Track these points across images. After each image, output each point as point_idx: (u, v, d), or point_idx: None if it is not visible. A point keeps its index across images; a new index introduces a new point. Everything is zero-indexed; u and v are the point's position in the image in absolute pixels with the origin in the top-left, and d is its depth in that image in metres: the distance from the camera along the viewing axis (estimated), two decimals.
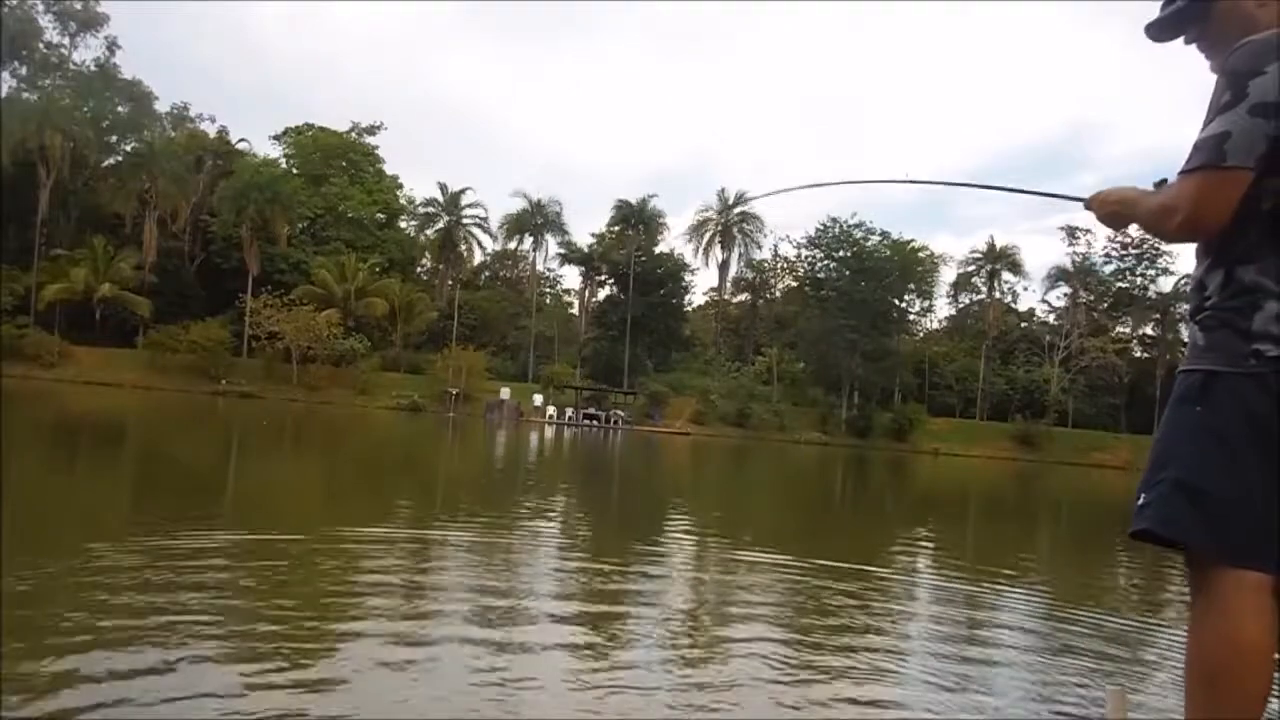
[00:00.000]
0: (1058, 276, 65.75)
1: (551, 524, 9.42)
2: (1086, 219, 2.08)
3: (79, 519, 6.98)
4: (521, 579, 6.00)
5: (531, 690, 3.48)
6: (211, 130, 64.89)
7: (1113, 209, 2.05)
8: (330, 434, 26.24)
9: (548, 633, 4.43)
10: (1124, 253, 61.86)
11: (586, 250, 69.32)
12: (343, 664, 3.64)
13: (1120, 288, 64.50)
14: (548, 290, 77.39)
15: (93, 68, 58.03)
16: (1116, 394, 62.31)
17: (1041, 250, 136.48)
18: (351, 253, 58.52)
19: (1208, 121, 1.79)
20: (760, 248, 70.45)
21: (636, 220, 68.80)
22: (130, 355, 52.58)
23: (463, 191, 67.86)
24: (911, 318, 66.49)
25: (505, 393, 52.83)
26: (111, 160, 58.57)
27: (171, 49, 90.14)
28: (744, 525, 11.41)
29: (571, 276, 76.49)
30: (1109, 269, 63.56)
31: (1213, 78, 1.86)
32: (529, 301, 69.57)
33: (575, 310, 76.61)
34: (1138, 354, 65.86)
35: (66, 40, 57.78)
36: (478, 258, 73.35)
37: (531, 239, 70.78)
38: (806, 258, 62.99)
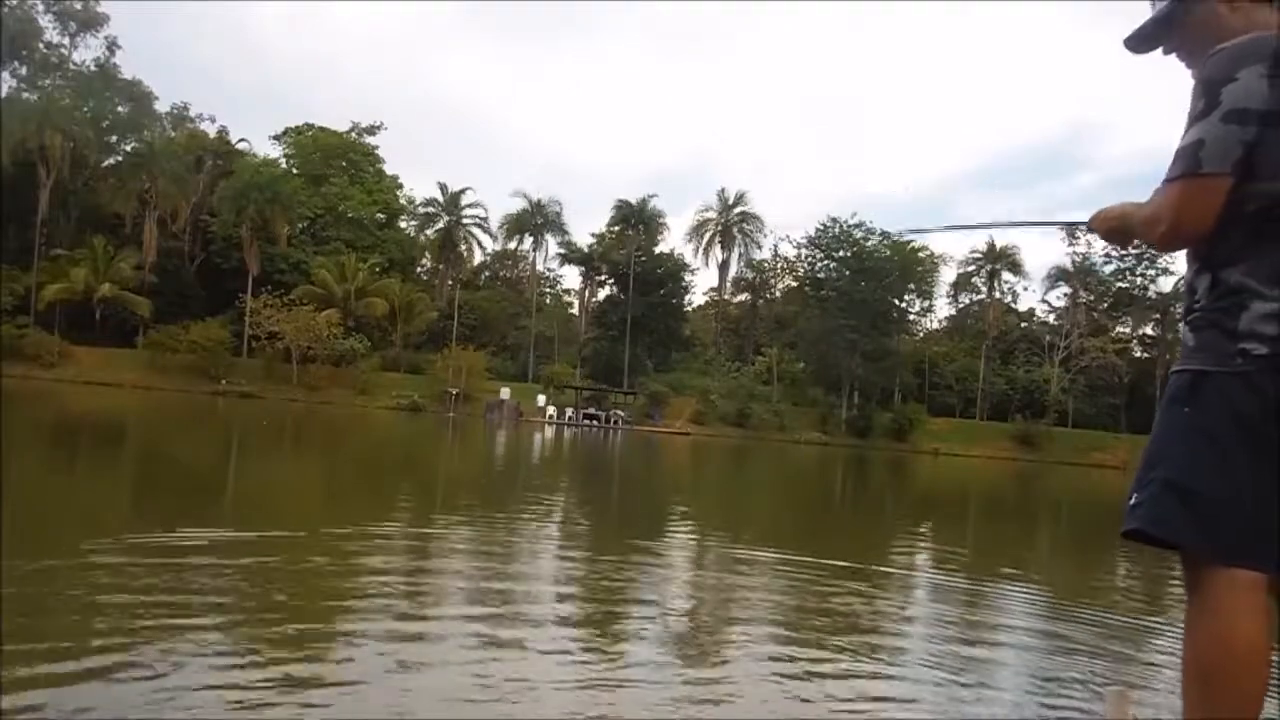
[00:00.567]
0: (1058, 276, 65.78)
1: (552, 523, 9.42)
2: (1085, 220, 2.08)
3: (78, 518, 6.98)
4: (522, 578, 6.00)
5: (531, 689, 3.48)
6: (211, 130, 64.98)
7: (1113, 225, 2.08)
8: (330, 434, 26.24)
9: (548, 632, 4.43)
10: (1124, 253, 61.87)
11: (586, 250, 69.33)
12: (342, 663, 3.64)
13: (1120, 288, 64.52)
14: (548, 290, 77.42)
15: (93, 68, 58.06)
16: (1116, 394, 62.32)
17: (1041, 250, 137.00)
18: (351, 253, 58.52)
19: (1186, 130, 1.81)
20: (760, 248, 70.57)
21: (636, 220, 68.79)
22: (130, 355, 52.59)
23: (463, 191, 67.94)
24: (911, 318, 66.54)
25: (505, 393, 52.84)
26: (111, 160, 58.57)
27: (171, 49, 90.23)
28: (744, 524, 11.42)
29: (571, 276, 76.61)
30: (1109, 269, 63.56)
31: None
32: (529, 301, 69.58)
33: (575, 310, 76.64)
34: (1138, 354, 65.87)
35: (66, 40, 57.85)
36: (478, 258, 73.46)
37: (531, 239, 70.83)
38: (806, 258, 63.03)
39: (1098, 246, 62.04)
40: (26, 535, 5.79)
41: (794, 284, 68.03)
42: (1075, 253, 63.91)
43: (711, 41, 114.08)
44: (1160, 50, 2.05)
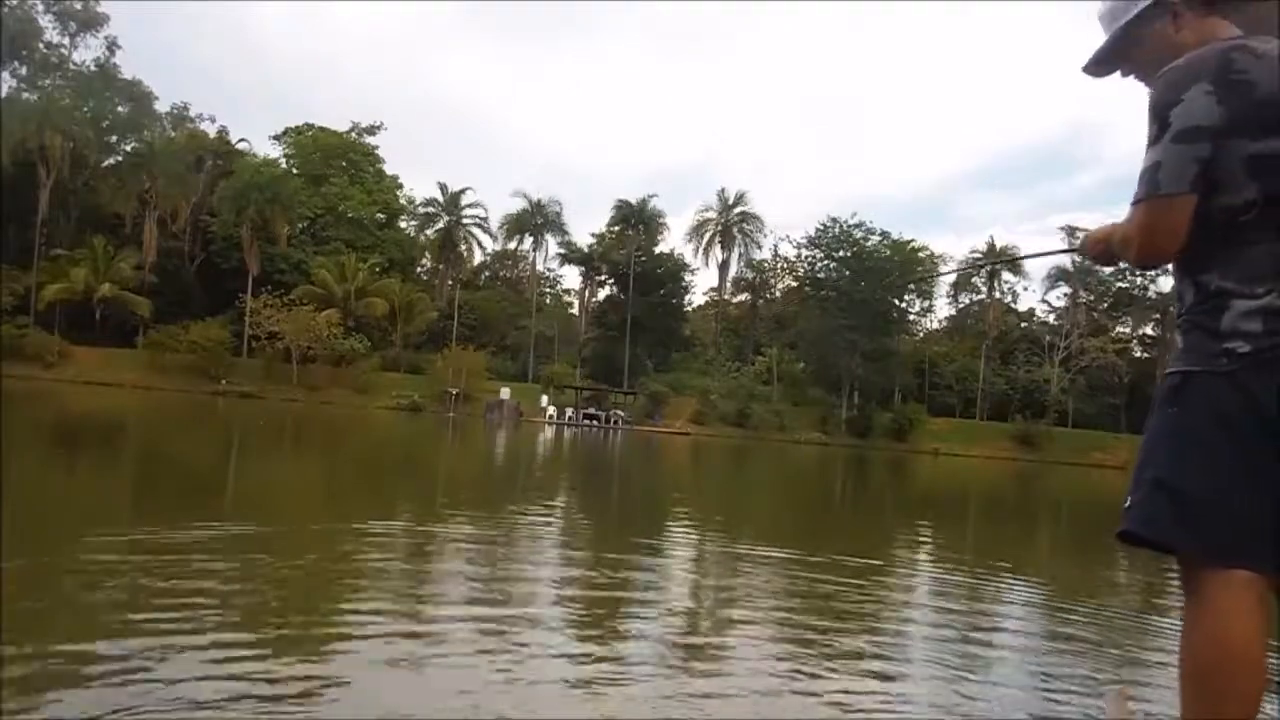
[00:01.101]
0: (1058, 276, 65.80)
1: (552, 522, 9.42)
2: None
3: (77, 517, 6.98)
4: (522, 577, 6.00)
5: (532, 689, 3.48)
6: (211, 130, 64.95)
7: (1100, 249, 2.13)
8: (330, 434, 26.24)
9: (548, 631, 4.43)
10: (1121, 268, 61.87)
11: (586, 250, 69.34)
12: (341, 662, 3.64)
13: (1120, 288, 64.53)
14: (548, 290, 77.43)
15: (93, 68, 58.05)
16: (1116, 394, 62.31)
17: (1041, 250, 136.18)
18: (351, 253, 58.53)
19: (1146, 154, 1.85)
20: (760, 248, 70.59)
21: (636, 220, 68.80)
22: (130, 355, 52.59)
23: (463, 191, 67.97)
24: (911, 318, 66.54)
25: (505, 393, 52.84)
26: (111, 160, 58.57)
27: (171, 49, 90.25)
28: (745, 523, 11.41)
29: (571, 276, 76.63)
30: (1109, 269, 63.52)
31: None
32: (529, 301, 69.57)
33: (575, 310, 76.63)
34: (1138, 354, 65.87)
35: (66, 40, 57.85)
36: (478, 258, 73.50)
37: (531, 239, 70.84)
38: (806, 258, 63.05)
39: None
40: (26, 535, 5.79)
41: (794, 284, 68.04)
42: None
43: (711, 41, 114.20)
44: (1119, 74, 2.08)
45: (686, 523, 10.83)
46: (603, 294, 71.55)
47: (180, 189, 57.11)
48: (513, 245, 72.72)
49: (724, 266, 70.61)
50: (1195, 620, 1.80)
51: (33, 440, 14.87)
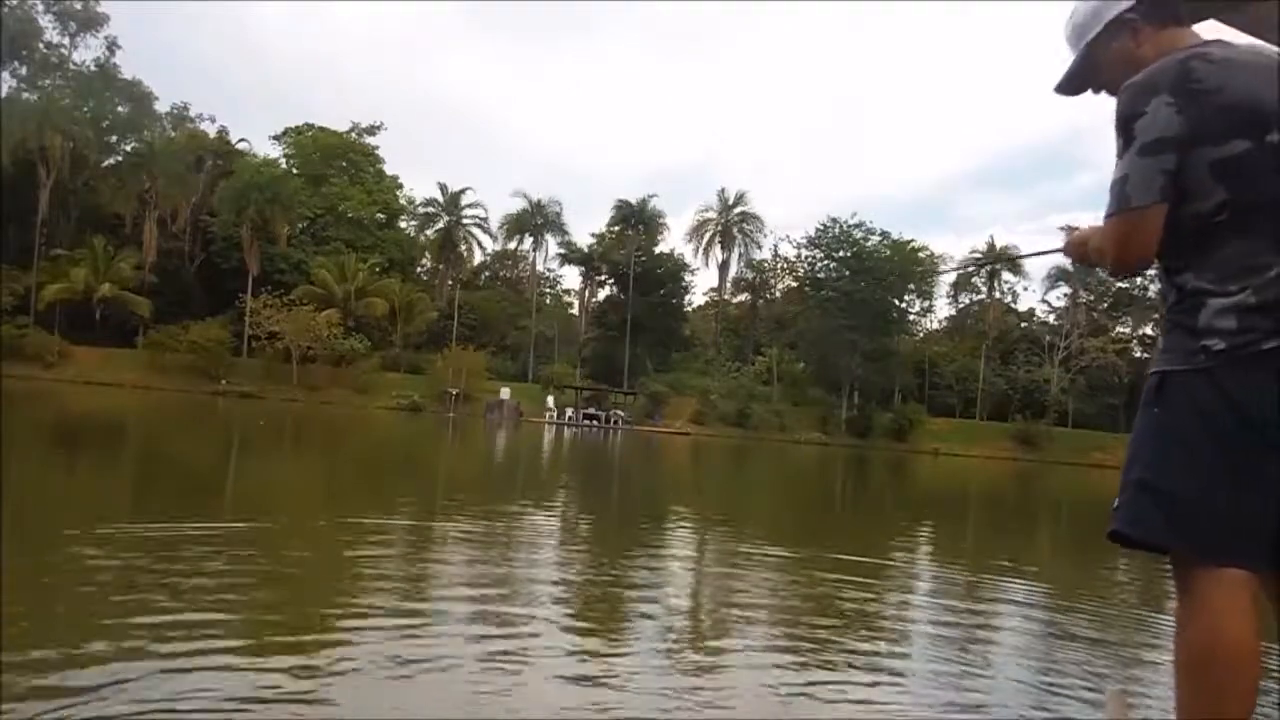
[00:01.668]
0: (1058, 276, 65.75)
1: (552, 521, 9.43)
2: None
3: (77, 516, 6.98)
4: (522, 577, 6.00)
5: (532, 688, 3.48)
6: (211, 130, 64.90)
7: (1080, 252, 2.17)
8: (330, 434, 26.24)
9: (548, 630, 4.43)
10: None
11: (586, 250, 69.32)
12: (340, 662, 3.64)
13: (1120, 288, 64.50)
14: (548, 290, 77.40)
15: (93, 68, 58.02)
16: (1116, 394, 62.30)
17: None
18: (351, 253, 58.52)
19: (1115, 167, 1.88)
20: (760, 248, 70.54)
21: (636, 220, 68.78)
22: (130, 355, 52.58)
23: (463, 191, 67.94)
24: (911, 318, 66.53)
25: (505, 393, 52.85)
26: (111, 160, 58.54)
27: (171, 49, 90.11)
28: (745, 522, 11.42)
29: (571, 276, 76.60)
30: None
31: None
32: (529, 301, 69.55)
33: (575, 310, 76.60)
34: (1138, 354, 65.83)
35: (66, 40, 57.81)
36: (478, 258, 73.45)
37: (531, 239, 70.82)
38: (806, 258, 63.03)
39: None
40: (26, 534, 5.79)
41: (794, 284, 68.01)
42: None
43: (711, 41, 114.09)
44: (1090, 91, 2.12)
45: (687, 522, 10.83)
46: (603, 294, 71.57)
47: (180, 189, 57.09)
48: (513, 245, 72.78)
49: (724, 266, 70.66)
50: (1188, 619, 1.81)
51: (33, 440, 14.87)
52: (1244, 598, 1.76)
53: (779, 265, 70.44)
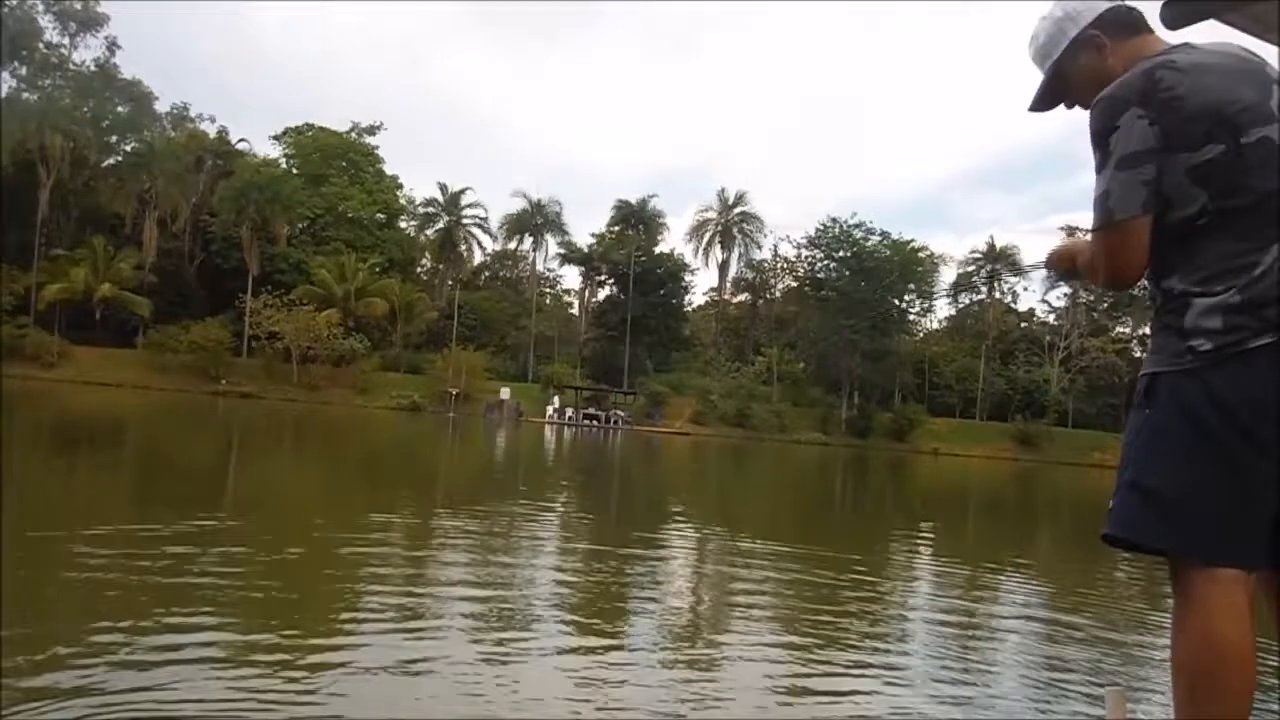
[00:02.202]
0: (1058, 276, 65.67)
1: (553, 521, 9.42)
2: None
3: (78, 516, 6.98)
4: (522, 576, 6.00)
5: (532, 687, 3.48)
6: (211, 130, 64.82)
7: (1066, 265, 2.18)
8: (330, 434, 26.23)
9: (549, 629, 4.43)
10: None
11: (586, 250, 69.25)
12: (339, 661, 3.64)
13: None
14: (548, 290, 77.33)
15: (93, 68, 57.96)
16: (1116, 394, 62.26)
17: (1041, 250, 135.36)
18: (351, 253, 58.46)
19: (1096, 182, 1.89)
20: (760, 248, 70.47)
21: (636, 220, 68.74)
22: (130, 355, 52.55)
23: (463, 191, 67.89)
24: (911, 318, 66.49)
25: (505, 393, 52.86)
26: (111, 160, 58.48)
27: (171, 49, 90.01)
28: (745, 522, 11.41)
29: (571, 276, 76.48)
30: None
31: None
32: (529, 301, 69.51)
33: (575, 310, 76.54)
34: (1137, 354, 65.74)
35: (66, 40, 57.71)
36: (478, 258, 73.38)
37: (531, 239, 70.77)
38: (806, 258, 63.00)
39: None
40: (26, 534, 5.79)
41: (794, 284, 67.95)
42: None
43: (712, 41, 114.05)
44: (1064, 107, 2.12)
45: (687, 521, 10.83)
46: (603, 294, 71.48)
47: (180, 189, 57.04)
48: (513, 245, 72.72)
49: (724, 266, 70.60)
50: (1183, 619, 1.81)
51: (33, 440, 14.87)
52: (1240, 597, 1.76)
53: (779, 265, 70.42)
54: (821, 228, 60.74)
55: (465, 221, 68.44)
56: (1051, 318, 68.27)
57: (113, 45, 58.07)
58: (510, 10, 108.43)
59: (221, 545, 5.99)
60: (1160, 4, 2.42)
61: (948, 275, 67.52)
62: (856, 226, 59.75)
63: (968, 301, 70.95)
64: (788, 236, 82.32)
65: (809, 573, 6.90)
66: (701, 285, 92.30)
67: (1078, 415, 61.81)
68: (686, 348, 69.67)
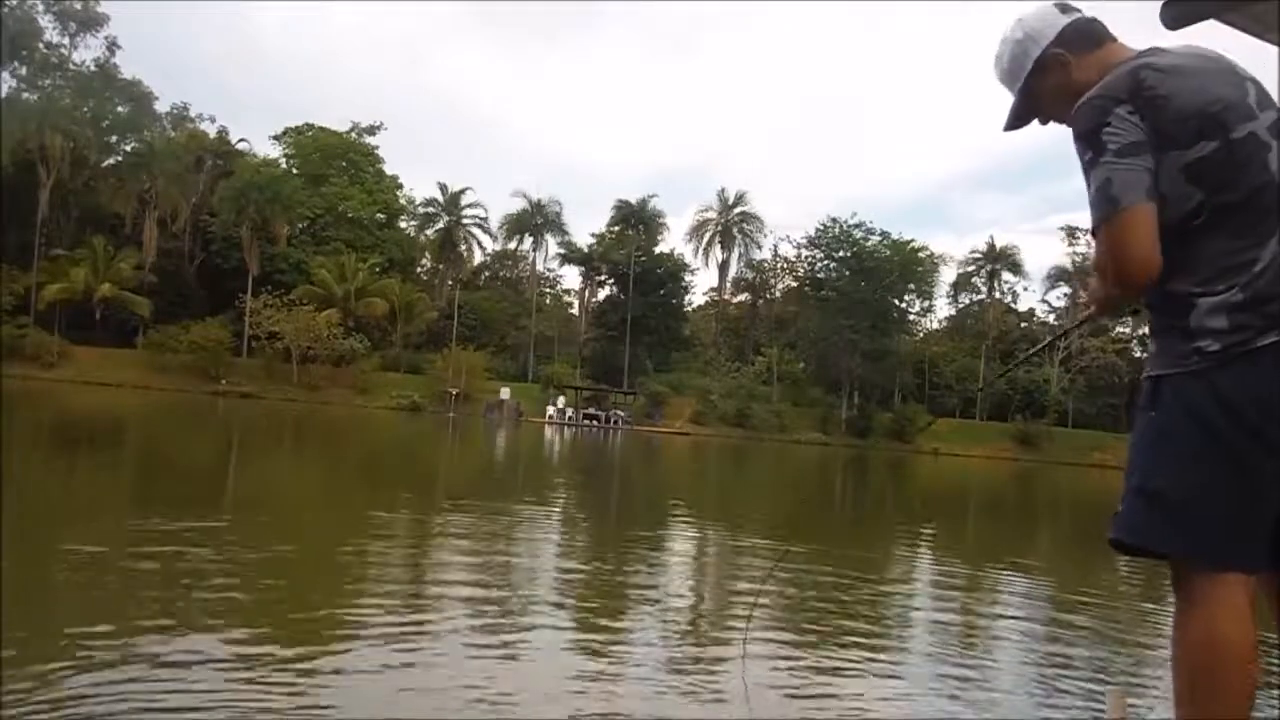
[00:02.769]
0: (1058, 276, 65.75)
1: (553, 520, 9.42)
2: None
3: (77, 516, 6.98)
4: (523, 575, 6.00)
5: (532, 686, 3.48)
6: (211, 130, 64.77)
7: (1098, 298, 2.10)
8: (330, 434, 26.23)
9: (549, 629, 4.43)
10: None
11: (586, 250, 69.24)
12: (339, 661, 3.64)
13: None
14: (548, 290, 77.31)
15: (93, 68, 57.92)
16: (1116, 394, 62.27)
17: (1041, 250, 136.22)
18: (351, 253, 58.43)
19: (1086, 184, 1.85)
20: (760, 248, 70.46)
21: (636, 220, 68.73)
22: (130, 355, 52.54)
23: (463, 191, 67.88)
24: (911, 318, 66.49)
25: (505, 393, 52.87)
26: (111, 160, 58.44)
27: (171, 49, 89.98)
28: (745, 522, 11.41)
29: (571, 276, 76.45)
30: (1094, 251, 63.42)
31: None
32: (529, 301, 69.50)
33: (575, 310, 76.52)
34: (1137, 354, 65.74)
35: (66, 40, 57.65)
36: (478, 258, 73.36)
37: (531, 239, 70.75)
38: (806, 258, 62.99)
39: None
40: (28, 535, 5.79)
41: (794, 284, 67.94)
42: (1075, 253, 63.95)
43: (712, 42, 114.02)
44: (1038, 123, 2.10)
45: (687, 521, 10.82)
46: (603, 294, 71.45)
47: (180, 189, 57.01)
48: (513, 245, 72.69)
49: (724, 266, 70.58)
50: (1185, 622, 1.81)
51: (33, 440, 14.87)
52: (1242, 599, 1.76)
53: (779, 265, 70.41)
54: (821, 228, 60.80)
55: (465, 221, 68.46)
56: (1051, 318, 68.31)
57: (113, 45, 58.06)
58: (510, 10, 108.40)
59: (221, 546, 6.00)
60: (1160, 4, 2.42)
61: (948, 275, 67.58)
62: (856, 226, 59.80)
63: (968, 302, 70.98)
64: (788, 236, 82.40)
65: (809, 572, 6.89)
66: (701, 285, 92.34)
67: (1078, 415, 61.78)
68: (686, 348, 69.65)
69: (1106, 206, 1.79)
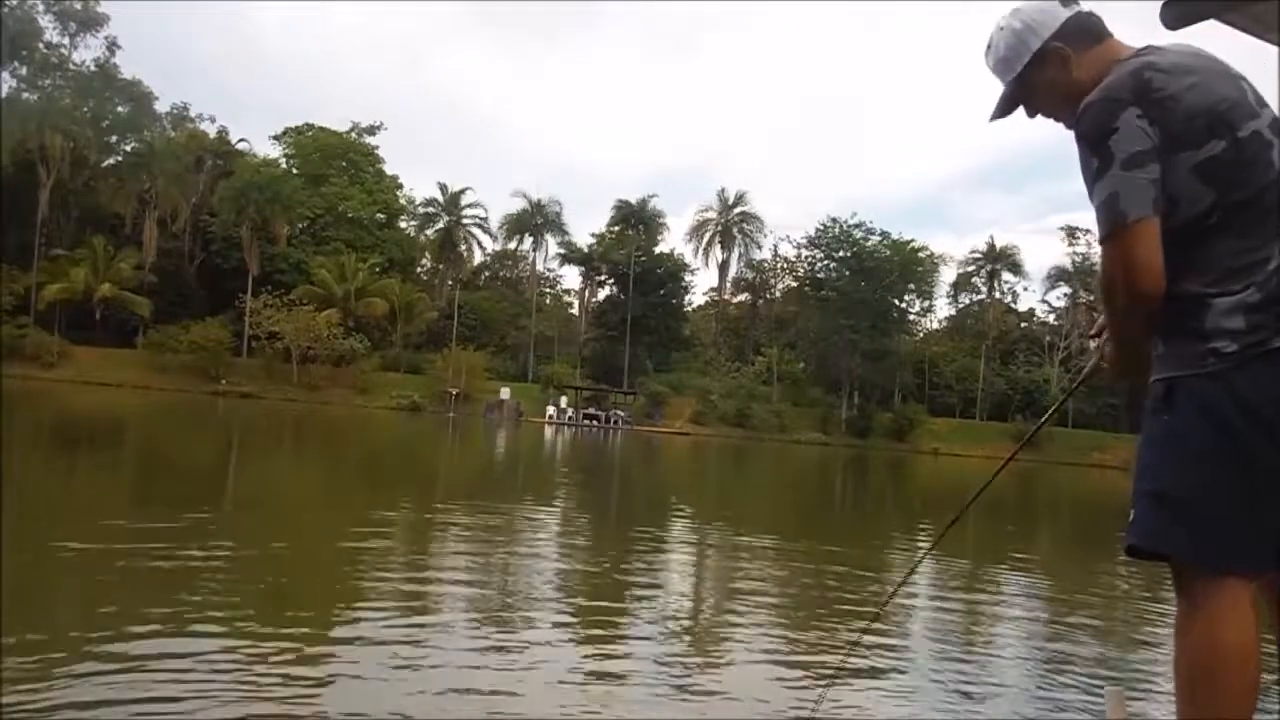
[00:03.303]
0: (1058, 276, 65.75)
1: (553, 520, 9.42)
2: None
3: (77, 516, 6.98)
4: (523, 575, 6.00)
5: (533, 684, 3.48)
6: (211, 130, 64.75)
7: (1112, 352, 2.04)
8: (330, 434, 26.23)
9: (549, 628, 4.43)
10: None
11: (586, 250, 69.25)
12: (338, 661, 3.64)
13: None
14: (548, 290, 77.30)
15: (93, 68, 57.94)
16: (1117, 394, 62.26)
17: (1041, 250, 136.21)
18: (351, 253, 58.43)
19: (1090, 191, 1.84)
20: (760, 248, 70.46)
21: (636, 220, 68.73)
22: (130, 355, 52.54)
23: (463, 191, 67.87)
24: (911, 318, 66.50)
25: (505, 393, 52.87)
26: (111, 160, 58.45)
27: (171, 49, 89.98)
28: (745, 521, 11.41)
29: (571, 276, 76.46)
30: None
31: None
32: (529, 301, 69.50)
33: (575, 310, 76.53)
34: None
35: (66, 40, 57.66)
36: (478, 258, 73.36)
37: (531, 239, 70.75)
38: (806, 258, 63.03)
39: (1098, 247, 61.99)
40: (27, 534, 5.79)
41: (794, 284, 67.96)
42: (1075, 253, 63.98)
43: (712, 41, 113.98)
44: (1025, 114, 2.07)
45: (687, 521, 10.82)
46: (603, 294, 71.45)
47: (180, 189, 57.01)
48: (513, 245, 72.70)
49: (724, 266, 70.58)
50: (1190, 625, 1.79)
51: (33, 440, 14.87)
52: (1245, 602, 1.75)
53: (779, 265, 70.43)
54: (821, 228, 60.82)
55: (465, 221, 68.45)
56: (1051, 318, 68.30)
57: (113, 45, 58.07)
58: (510, 10, 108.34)
59: (221, 546, 6.00)
60: (1160, 4, 2.42)
61: (948, 275, 67.58)
62: (856, 226, 59.82)
63: (968, 302, 71.00)
64: (788, 236, 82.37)
65: (810, 570, 6.90)
66: (701, 285, 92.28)
67: (1078, 415, 61.77)
68: (686, 348, 69.65)
69: (1115, 218, 1.78)
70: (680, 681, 3.71)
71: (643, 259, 66.33)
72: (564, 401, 53.88)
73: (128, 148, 58.39)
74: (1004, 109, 2.08)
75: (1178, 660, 1.81)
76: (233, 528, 7.00)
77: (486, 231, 69.86)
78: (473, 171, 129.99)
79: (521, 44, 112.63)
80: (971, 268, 68.71)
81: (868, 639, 4.76)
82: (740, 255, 70.57)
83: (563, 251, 70.49)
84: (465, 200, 67.75)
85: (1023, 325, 68.84)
